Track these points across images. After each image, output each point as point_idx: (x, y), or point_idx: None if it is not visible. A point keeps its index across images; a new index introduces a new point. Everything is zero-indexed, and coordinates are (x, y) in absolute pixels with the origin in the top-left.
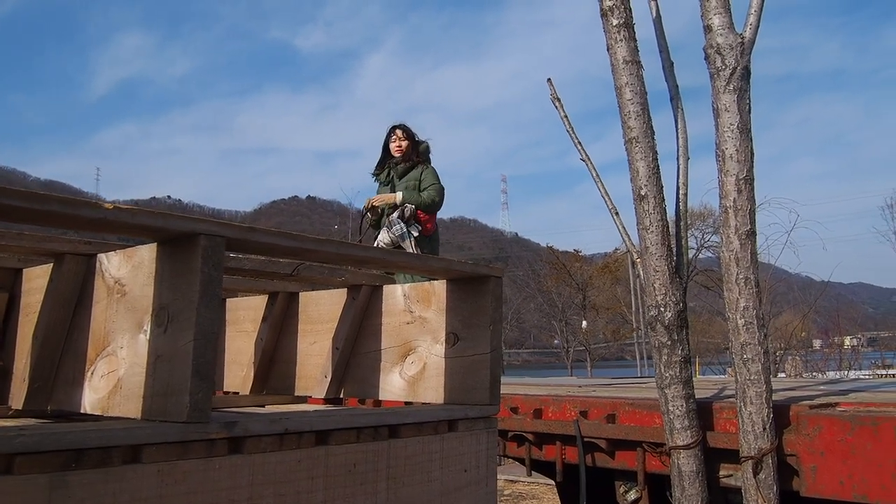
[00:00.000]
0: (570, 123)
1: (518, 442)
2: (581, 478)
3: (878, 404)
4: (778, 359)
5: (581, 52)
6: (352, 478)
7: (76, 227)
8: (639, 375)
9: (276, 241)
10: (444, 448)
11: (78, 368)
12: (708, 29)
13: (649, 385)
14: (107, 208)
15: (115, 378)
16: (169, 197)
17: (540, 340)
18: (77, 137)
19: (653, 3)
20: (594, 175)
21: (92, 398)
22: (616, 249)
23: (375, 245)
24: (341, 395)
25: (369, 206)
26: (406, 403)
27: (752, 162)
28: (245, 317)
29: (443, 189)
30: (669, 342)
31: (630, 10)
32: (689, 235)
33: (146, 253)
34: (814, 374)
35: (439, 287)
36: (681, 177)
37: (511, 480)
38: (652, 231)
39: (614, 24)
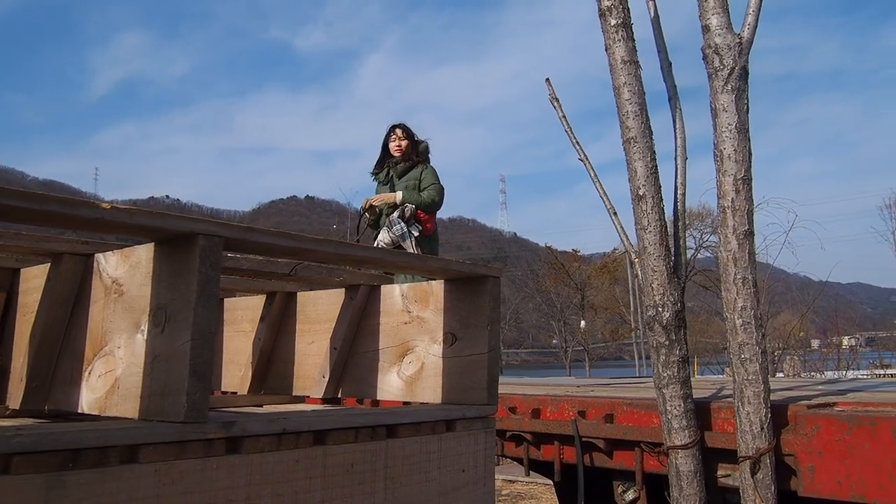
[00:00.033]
0: (568, 123)
1: (516, 442)
2: (579, 478)
3: (876, 404)
4: (776, 358)
5: (580, 52)
6: (349, 478)
7: (74, 227)
8: (637, 375)
9: (274, 241)
10: (441, 448)
11: (75, 368)
12: (706, 29)
13: (647, 385)
14: (104, 208)
15: (112, 378)
16: (167, 197)
17: (538, 340)
18: (76, 137)
19: (651, 3)
20: (592, 175)
21: (89, 398)
22: (615, 249)
23: (375, 245)
24: (339, 395)
25: (367, 205)
26: (404, 403)
27: (750, 162)
28: (243, 316)
29: (443, 189)
30: (667, 342)
31: (628, 10)
32: (687, 235)
33: (144, 253)
34: (812, 373)
35: (437, 287)
36: (679, 177)
37: (509, 480)
38: (650, 231)
39: (612, 24)
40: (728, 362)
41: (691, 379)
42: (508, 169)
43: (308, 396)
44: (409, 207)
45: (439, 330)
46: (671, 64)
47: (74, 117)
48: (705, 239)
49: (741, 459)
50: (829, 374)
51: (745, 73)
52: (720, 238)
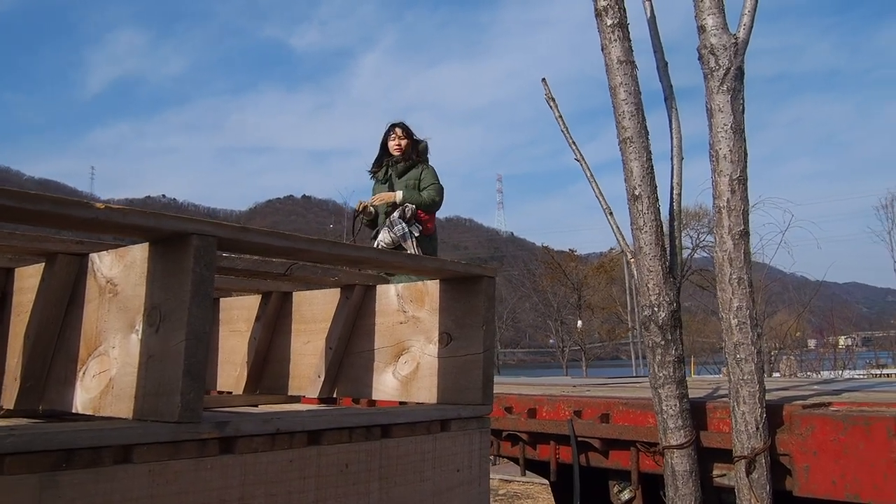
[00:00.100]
0: (564, 123)
1: (512, 441)
2: (575, 477)
3: (871, 404)
4: (772, 358)
5: (576, 51)
6: (344, 478)
7: (68, 227)
8: (634, 375)
9: (269, 241)
10: (436, 448)
11: (70, 368)
12: (702, 29)
13: (643, 385)
14: (98, 208)
15: (106, 378)
16: (164, 196)
17: (535, 340)
18: (72, 136)
19: (647, 4)
20: (588, 175)
21: (83, 398)
22: (611, 249)
23: (375, 245)
24: (335, 395)
25: (360, 208)
26: (400, 403)
27: (746, 162)
28: (238, 316)
29: (442, 189)
30: (663, 342)
31: (624, 10)
32: (684, 235)
33: (138, 253)
34: (808, 373)
35: (433, 287)
36: (675, 177)
37: (506, 480)
38: (646, 231)
39: (608, 24)
40: (725, 362)
41: (688, 378)
42: (505, 168)
43: (304, 396)
44: (410, 207)
45: (435, 330)
46: (667, 64)
47: (70, 116)
48: (702, 239)
49: (736, 459)
50: (826, 374)
51: (740, 74)
52: (716, 238)
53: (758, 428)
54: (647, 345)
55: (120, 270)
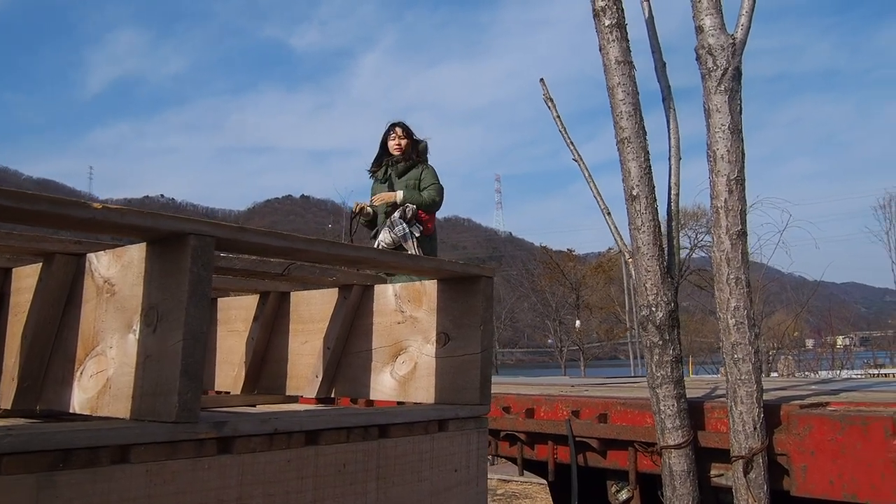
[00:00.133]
0: (562, 124)
1: (510, 441)
2: (573, 477)
3: (868, 404)
4: (770, 358)
5: (575, 51)
6: (341, 478)
7: (66, 227)
8: (632, 375)
9: (267, 241)
10: (434, 448)
11: (67, 368)
12: (699, 30)
13: (641, 385)
14: (95, 208)
15: (104, 378)
16: (162, 196)
17: (534, 340)
18: (71, 136)
19: (645, 4)
20: (586, 175)
21: (81, 398)
22: (609, 249)
23: (376, 245)
24: (332, 395)
25: (357, 209)
26: (398, 403)
27: (744, 162)
28: (236, 316)
29: (443, 189)
30: (661, 342)
31: (622, 10)
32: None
33: (136, 252)
34: (806, 373)
35: (430, 287)
36: (673, 177)
37: (504, 480)
38: (643, 231)
39: (606, 24)
40: (722, 362)
41: (685, 378)
42: (504, 168)
43: (301, 396)
44: (411, 208)
45: (432, 330)
46: (665, 64)
47: (69, 116)
48: (700, 239)
49: (734, 459)
50: (824, 374)
51: (738, 74)
52: (713, 238)
53: (755, 428)
54: (644, 345)
55: (117, 270)
